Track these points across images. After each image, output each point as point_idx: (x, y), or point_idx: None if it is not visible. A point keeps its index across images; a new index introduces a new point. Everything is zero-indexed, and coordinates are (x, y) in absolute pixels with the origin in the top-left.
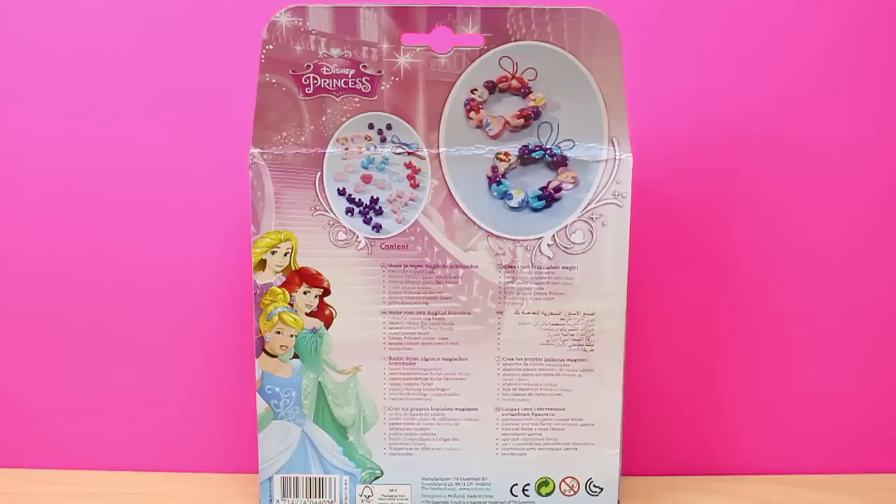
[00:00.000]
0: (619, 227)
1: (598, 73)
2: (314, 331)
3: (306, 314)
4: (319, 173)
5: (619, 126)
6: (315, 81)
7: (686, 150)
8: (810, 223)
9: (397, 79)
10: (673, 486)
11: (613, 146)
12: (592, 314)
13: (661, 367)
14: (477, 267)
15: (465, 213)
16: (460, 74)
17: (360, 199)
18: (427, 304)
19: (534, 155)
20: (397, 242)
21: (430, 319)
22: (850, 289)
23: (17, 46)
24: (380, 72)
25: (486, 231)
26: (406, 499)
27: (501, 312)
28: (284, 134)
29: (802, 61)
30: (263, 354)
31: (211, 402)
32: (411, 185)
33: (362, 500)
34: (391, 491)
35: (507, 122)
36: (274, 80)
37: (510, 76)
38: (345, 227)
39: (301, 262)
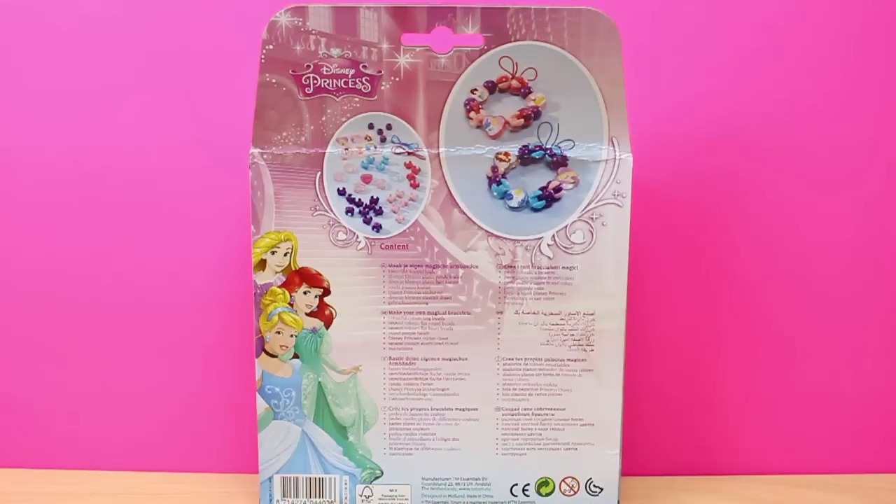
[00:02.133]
0: (619, 227)
1: (598, 73)
2: (314, 331)
3: (306, 314)
4: (319, 173)
5: (619, 126)
6: (315, 81)
7: (686, 150)
8: (810, 223)
9: (397, 79)
10: (673, 486)
11: (613, 146)
12: (592, 314)
13: (661, 367)
14: (477, 267)
15: (465, 213)
16: (460, 74)
17: (360, 199)
18: (427, 304)
19: (534, 155)
20: (397, 242)
21: (430, 319)
22: (850, 289)
23: (17, 46)
24: (380, 72)
25: (486, 231)
26: (406, 499)
27: (501, 312)
28: (284, 134)
29: (802, 61)
30: (263, 354)
31: (211, 402)
32: (411, 185)
33: (362, 500)
34: (391, 491)
35: (507, 122)
36: (274, 80)
37: (510, 76)
38: (345, 227)
39: (301, 262)
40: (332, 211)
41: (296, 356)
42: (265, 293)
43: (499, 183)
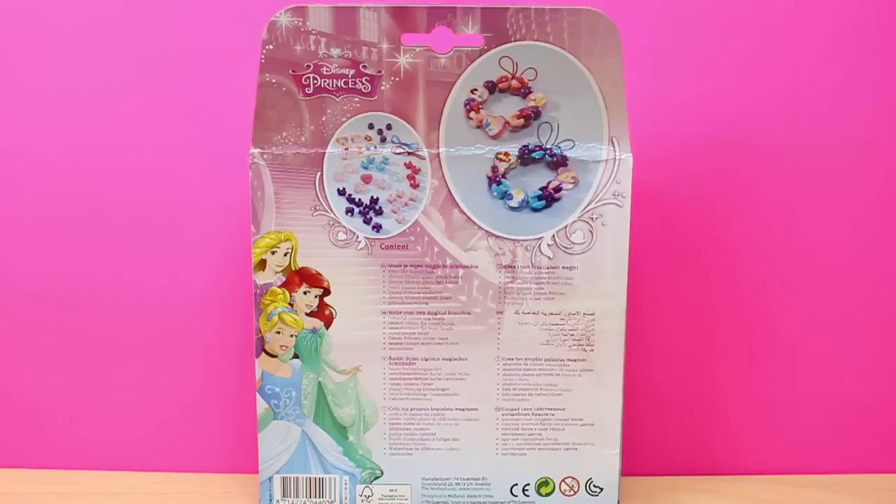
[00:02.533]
0: (619, 227)
1: (598, 73)
2: (314, 331)
3: (306, 314)
4: (319, 173)
5: (619, 126)
6: (315, 81)
7: (686, 150)
8: (810, 223)
9: (397, 79)
10: (673, 486)
11: (613, 146)
12: (592, 314)
13: (661, 367)
14: (477, 267)
15: (465, 213)
16: (460, 74)
17: (360, 199)
18: (427, 304)
19: (534, 155)
20: (397, 242)
21: (430, 319)
22: (850, 289)
23: (17, 47)
24: (380, 72)
25: (486, 231)
26: (406, 499)
27: (501, 312)
28: (284, 134)
29: (802, 61)
30: (263, 354)
31: (211, 402)
32: (411, 185)
33: (362, 500)
34: (391, 491)
35: (507, 122)
36: (274, 80)
37: (510, 76)
38: (345, 227)
39: (301, 262)
40: (332, 211)
41: (296, 356)
42: (265, 293)
43: (499, 183)
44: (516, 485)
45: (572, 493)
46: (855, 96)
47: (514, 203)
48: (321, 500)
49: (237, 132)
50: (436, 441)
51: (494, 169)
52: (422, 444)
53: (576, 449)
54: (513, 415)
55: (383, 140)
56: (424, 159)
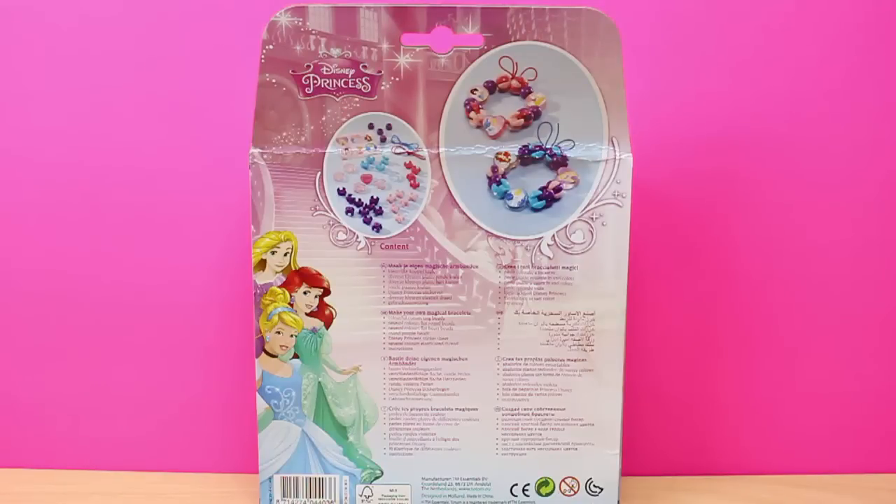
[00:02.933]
0: (619, 227)
1: (598, 73)
2: (314, 331)
3: (306, 314)
4: (319, 173)
5: (619, 126)
6: (315, 81)
7: (686, 150)
8: (810, 223)
9: (397, 79)
10: (673, 486)
11: (613, 146)
12: (592, 314)
13: (661, 367)
14: (477, 267)
15: (465, 213)
16: (460, 74)
17: (360, 199)
18: (427, 304)
19: (534, 155)
20: (397, 242)
21: (430, 319)
22: (850, 289)
23: (17, 46)
24: (380, 72)
25: (486, 231)
26: (406, 499)
27: (501, 312)
28: (284, 134)
29: (802, 61)
30: (263, 354)
31: (211, 402)
32: (411, 185)
33: (362, 500)
34: (391, 491)
35: (507, 122)
36: (274, 80)
37: (510, 76)
38: (345, 227)
39: (301, 262)
40: (332, 211)
41: (296, 356)
42: (265, 293)
43: (499, 183)
44: (516, 485)
45: (572, 493)
46: (855, 96)
47: (514, 203)
48: (321, 500)
49: (237, 132)
50: (436, 441)
51: (494, 169)
52: (422, 444)
53: (576, 449)
54: (513, 415)
55: (383, 140)
56: (424, 159)
